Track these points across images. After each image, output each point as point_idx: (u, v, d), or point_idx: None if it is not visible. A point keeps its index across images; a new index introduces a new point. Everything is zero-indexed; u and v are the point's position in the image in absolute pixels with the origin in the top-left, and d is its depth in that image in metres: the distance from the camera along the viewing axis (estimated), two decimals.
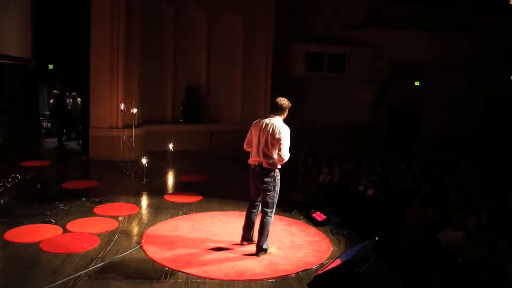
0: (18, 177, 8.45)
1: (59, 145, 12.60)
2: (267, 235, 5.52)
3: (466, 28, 14.26)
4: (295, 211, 7.35)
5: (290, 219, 6.99)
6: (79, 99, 13.68)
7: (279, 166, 5.36)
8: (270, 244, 5.62)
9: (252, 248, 5.65)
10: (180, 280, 4.79)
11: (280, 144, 5.20)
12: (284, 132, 5.23)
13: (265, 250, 5.51)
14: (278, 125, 5.28)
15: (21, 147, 11.25)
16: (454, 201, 6.34)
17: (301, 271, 5.13)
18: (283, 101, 5.40)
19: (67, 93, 14.08)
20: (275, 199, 5.44)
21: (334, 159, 9.52)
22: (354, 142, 12.42)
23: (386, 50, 13.89)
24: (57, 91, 13.64)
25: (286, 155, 5.22)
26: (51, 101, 13.95)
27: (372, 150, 11.67)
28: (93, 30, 10.82)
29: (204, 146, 12.00)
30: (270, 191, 5.38)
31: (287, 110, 5.41)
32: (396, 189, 7.48)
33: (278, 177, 5.39)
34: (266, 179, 5.34)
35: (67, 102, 13.80)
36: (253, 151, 5.44)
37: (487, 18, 14.25)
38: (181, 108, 12.93)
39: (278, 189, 5.43)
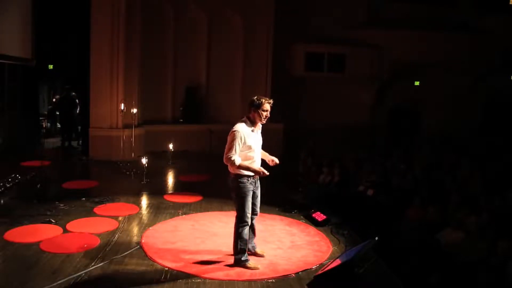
0: (18, 177, 8.46)
1: (62, 145, 12.59)
2: (243, 249, 5.05)
3: (466, 28, 14.25)
4: (295, 211, 7.36)
5: (290, 219, 7.00)
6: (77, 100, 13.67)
7: (240, 171, 4.93)
8: (254, 259, 5.23)
9: None
10: (180, 280, 4.79)
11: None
12: (230, 132, 4.92)
13: (242, 263, 5.07)
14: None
15: (21, 147, 11.25)
16: (454, 201, 6.32)
17: (301, 271, 5.12)
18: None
19: (67, 94, 14.09)
20: (239, 206, 5.00)
21: (334, 159, 9.50)
22: (354, 142, 12.39)
23: (386, 50, 13.90)
24: (58, 96, 13.67)
25: (225, 156, 4.84)
26: (54, 100, 13.95)
27: (372, 150, 11.65)
28: (93, 30, 10.82)
29: (204, 146, 11.98)
30: (233, 198, 5.10)
31: (252, 109, 5.03)
32: (396, 189, 7.47)
33: (240, 184, 4.94)
34: (230, 184, 5.08)
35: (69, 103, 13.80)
36: None
37: (487, 18, 14.25)
38: (181, 108, 12.93)
39: (242, 197, 4.97)
